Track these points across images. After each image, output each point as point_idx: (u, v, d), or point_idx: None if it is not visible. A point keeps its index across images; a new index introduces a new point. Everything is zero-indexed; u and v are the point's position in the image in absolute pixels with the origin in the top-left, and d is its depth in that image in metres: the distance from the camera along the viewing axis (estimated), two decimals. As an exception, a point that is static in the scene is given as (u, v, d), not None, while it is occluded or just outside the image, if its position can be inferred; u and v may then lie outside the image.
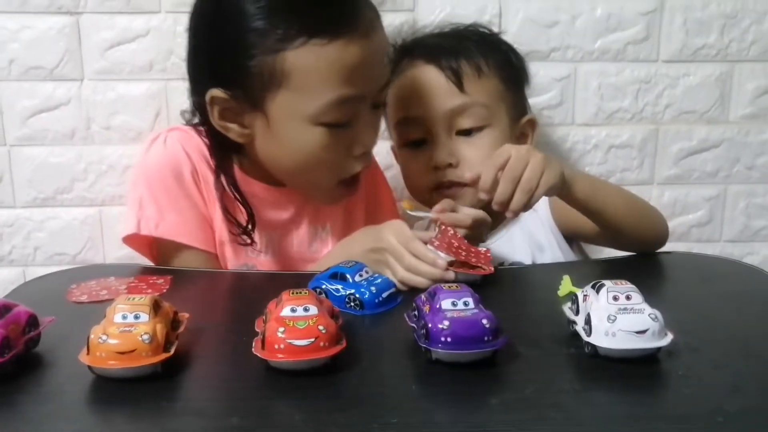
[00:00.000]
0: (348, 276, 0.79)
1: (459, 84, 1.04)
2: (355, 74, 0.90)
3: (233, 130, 0.95)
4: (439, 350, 0.62)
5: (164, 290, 0.85)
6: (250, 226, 1.01)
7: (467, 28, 1.15)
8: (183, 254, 1.00)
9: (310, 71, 0.88)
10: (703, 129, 1.33)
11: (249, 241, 1.01)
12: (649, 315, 0.63)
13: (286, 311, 0.64)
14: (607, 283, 0.66)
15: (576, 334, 0.67)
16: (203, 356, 0.67)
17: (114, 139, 1.25)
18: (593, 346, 0.63)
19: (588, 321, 0.64)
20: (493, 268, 0.85)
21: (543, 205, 1.05)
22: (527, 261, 1.04)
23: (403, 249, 0.86)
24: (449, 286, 0.67)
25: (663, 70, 1.30)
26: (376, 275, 0.81)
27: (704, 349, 0.67)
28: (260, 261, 1.04)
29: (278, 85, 0.89)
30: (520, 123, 1.11)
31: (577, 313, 0.69)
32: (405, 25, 1.20)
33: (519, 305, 0.81)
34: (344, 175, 0.98)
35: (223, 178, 0.99)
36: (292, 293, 0.66)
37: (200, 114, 0.98)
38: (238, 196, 1.00)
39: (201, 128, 1.01)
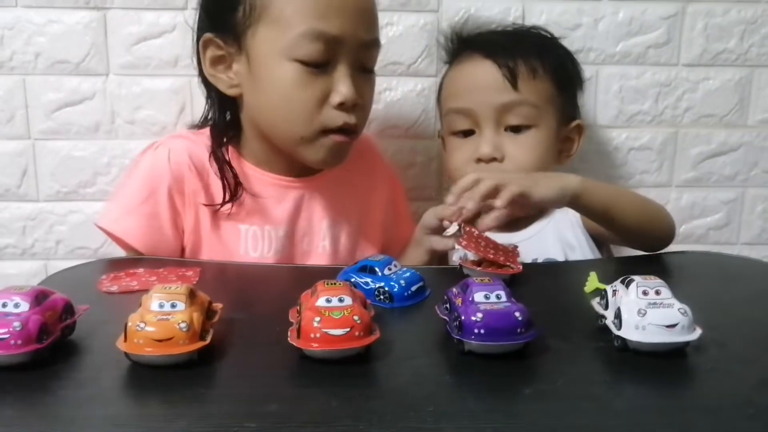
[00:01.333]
0: (377, 269, 0.80)
1: (513, 81, 1.07)
2: (331, 11, 0.93)
3: (222, 80, 1.00)
4: (473, 342, 0.63)
5: (194, 282, 0.86)
6: (236, 193, 1.03)
7: (528, 30, 1.18)
8: (130, 254, 1.05)
9: (286, 3, 0.93)
10: (721, 133, 1.34)
11: (231, 205, 1.03)
12: (678, 309, 0.64)
13: (321, 301, 0.65)
14: (637, 278, 0.67)
15: (604, 329, 0.68)
16: (238, 345, 0.68)
17: (138, 134, 1.27)
18: (623, 340, 0.64)
19: (618, 315, 0.65)
20: (521, 267, 0.86)
21: None
22: (559, 259, 1.06)
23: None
24: (481, 279, 0.68)
25: (683, 74, 1.31)
26: (405, 269, 0.82)
27: (731, 345, 0.68)
28: (264, 259, 1.04)
29: (257, 19, 0.94)
30: (568, 127, 1.13)
31: (606, 307, 0.69)
32: (469, 20, 1.23)
33: (547, 300, 0.82)
34: (324, 125, 0.96)
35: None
36: (327, 284, 0.67)
37: (199, 73, 1.05)
38: (225, 172, 1.03)
39: (202, 130, 1.07)
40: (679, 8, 1.28)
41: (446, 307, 0.70)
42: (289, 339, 0.63)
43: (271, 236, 1.05)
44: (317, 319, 0.63)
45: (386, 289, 0.78)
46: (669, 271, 0.93)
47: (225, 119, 1.07)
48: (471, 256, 0.86)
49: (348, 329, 0.62)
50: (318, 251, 1.08)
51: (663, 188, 1.35)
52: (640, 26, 1.29)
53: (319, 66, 0.94)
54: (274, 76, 0.95)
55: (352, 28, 0.95)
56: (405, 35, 1.27)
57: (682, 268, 0.96)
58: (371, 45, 1.00)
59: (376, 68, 1.23)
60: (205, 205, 1.03)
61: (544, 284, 0.86)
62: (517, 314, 0.63)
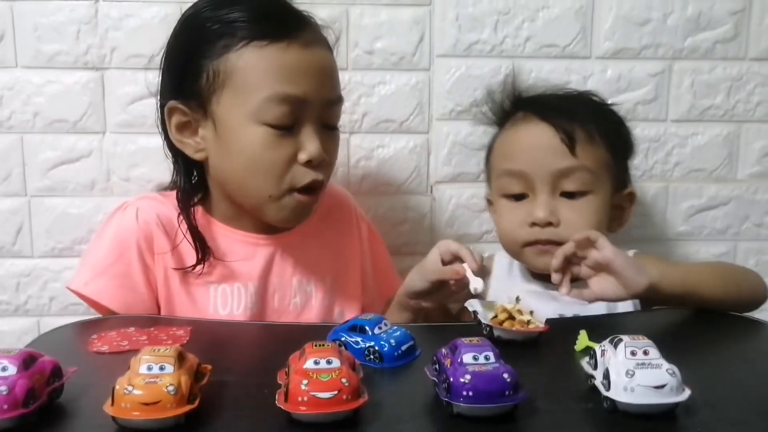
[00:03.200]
0: (367, 328, 0.80)
1: (571, 146, 1.04)
2: (293, 75, 0.95)
3: (189, 145, 1.02)
4: (461, 404, 0.63)
5: (185, 341, 0.86)
6: (204, 257, 1.04)
7: (581, 94, 1.16)
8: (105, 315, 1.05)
9: (250, 69, 0.95)
10: (712, 187, 1.36)
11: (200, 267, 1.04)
12: (666, 370, 0.64)
13: (309, 363, 0.65)
14: (625, 338, 0.67)
15: (594, 389, 0.68)
16: (226, 408, 0.67)
17: (132, 191, 1.27)
18: (612, 401, 0.64)
19: (606, 376, 0.65)
20: (548, 326, 0.86)
21: None
22: (603, 311, 1.04)
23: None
24: (470, 340, 0.68)
25: (672, 129, 1.33)
26: (395, 328, 0.82)
27: (721, 406, 0.67)
28: (234, 317, 1.05)
29: (221, 85, 0.96)
30: (620, 194, 1.11)
31: (595, 367, 0.69)
32: (516, 78, 1.22)
33: (537, 359, 0.81)
34: (292, 184, 0.98)
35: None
36: (315, 345, 0.67)
37: (164, 138, 1.06)
38: (194, 235, 1.04)
39: (170, 192, 1.09)
40: (666, 66, 1.31)
41: (435, 368, 0.69)
42: (276, 402, 0.63)
43: (240, 293, 1.06)
44: (305, 381, 0.62)
45: (376, 348, 0.78)
46: (658, 328, 0.93)
47: (191, 182, 1.08)
48: (488, 313, 0.87)
49: (336, 392, 0.62)
50: (290, 308, 1.09)
51: (655, 242, 1.35)
52: (628, 83, 1.31)
53: (287, 128, 0.96)
54: (242, 140, 0.97)
55: (316, 88, 0.97)
56: (397, 93, 1.29)
57: (672, 325, 0.96)
58: (335, 102, 1.01)
59: (368, 126, 1.26)
60: (175, 269, 1.04)
61: (532, 342, 0.85)
62: (505, 376, 0.63)
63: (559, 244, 1.01)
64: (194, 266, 1.03)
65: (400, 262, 1.30)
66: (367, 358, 0.78)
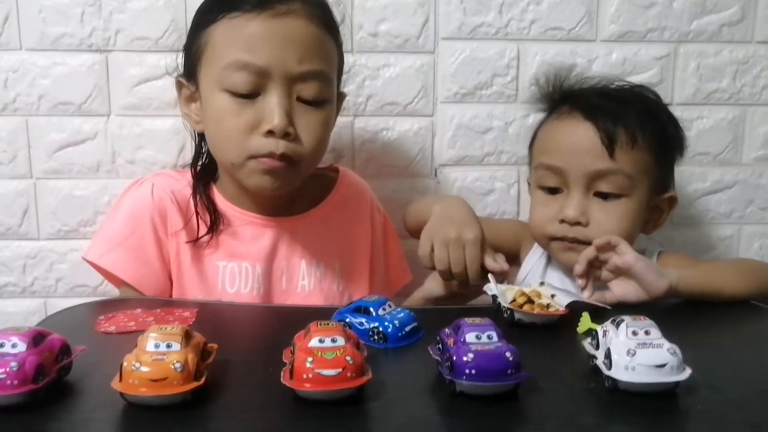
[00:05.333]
0: (371, 309, 0.81)
1: (611, 149, 1.02)
2: (255, 43, 0.96)
3: (190, 118, 1.07)
4: (464, 382, 0.63)
5: (191, 322, 0.87)
6: (215, 224, 1.08)
7: (633, 90, 1.12)
8: (121, 288, 1.09)
9: (220, 39, 0.98)
10: (717, 170, 1.35)
11: (209, 237, 1.07)
12: (667, 349, 0.64)
13: (314, 342, 0.65)
14: (627, 318, 0.68)
15: (596, 369, 0.68)
16: (232, 386, 0.68)
17: (138, 173, 1.27)
18: (613, 380, 0.65)
19: (608, 355, 0.66)
20: (567, 309, 0.86)
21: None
22: None
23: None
24: (473, 320, 0.69)
25: (677, 112, 1.29)
26: (399, 309, 0.83)
27: (722, 387, 0.68)
28: (240, 297, 1.06)
29: (202, 57, 1.00)
30: (660, 197, 1.09)
31: (597, 348, 0.70)
32: (573, 72, 1.19)
33: (539, 340, 0.82)
34: (250, 152, 0.98)
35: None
36: (320, 324, 0.68)
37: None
38: (206, 206, 1.08)
39: (185, 170, 1.14)
40: (671, 49, 1.31)
41: (439, 348, 0.70)
42: (281, 379, 0.64)
43: (248, 273, 1.07)
44: (310, 359, 0.63)
45: (380, 329, 0.79)
46: (662, 311, 0.93)
47: (201, 156, 1.13)
48: (506, 296, 0.88)
49: (340, 370, 0.63)
50: (297, 290, 1.10)
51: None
52: (633, 66, 1.31)
53: (249, 96, 0.97)
54: (210, 107, 1.00)
55: (280, 59, 0.96)
56: (402, 76, 1.29)
57: (675, 308, 0.96)
58: (308, 76, 0.98)
59: (373, 109, 1.26)
60: (186, 242, 1.07)
61: (536, 325, 0.86)
62: (507, 354, 0.64)
63: (585, 243, 1.02)
64: (206, 234, 1.06)
65: (404, 245, 1.30)
66: (371, 339, 0.79)
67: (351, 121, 1.29)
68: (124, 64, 1.26)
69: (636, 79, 1.29)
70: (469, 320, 0.69)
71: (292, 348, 0.69)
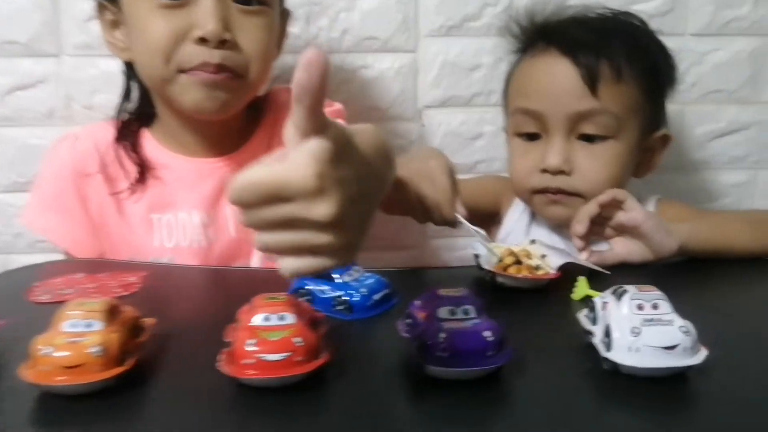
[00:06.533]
0: (335, 275, 0.70)
1: (593, 86, 0.92)
2: None
3: (116, 46, 0.96)
4: (435, 368, 0.53)
5: (136, 290, 0.77)
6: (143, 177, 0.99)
7: (617, 17, 1.00)
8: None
9: None
10: (731, 109, 1.25)
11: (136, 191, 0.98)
12: (679, 328, 0.54)
13: (257, 319, 0.56)
14: (631, 289, 0.57)
15: (593, 347, 0.58)
16: (168, 368, 0.59)
17: (97, 119, 1.15)
18: (613, 364, 0.54)
19: (608, 333, 0.56)
20: (559, 272, 0.77)
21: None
22: None
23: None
24: (447, 291, 0.58)
25: (690, 44, 1.22)
26: (368, 274, 0.72)
27: (744, 366, 0.58)
28: (180, 251, 0.97)
29: None
30: (652, 137, 0.99)
31: (594, 322, 0.60)
32: (549, 3, 1.05)
33: (527, 309, 0.72)
34: (179, 65, 0.87)
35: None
36: (267, 298, 0.58)
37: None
38: (135, 156, 0.99)
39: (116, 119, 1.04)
40: None
41: (408, 323, 0.60)
42: (218, 365, 0.54)
43: (186, 224, 0.98)
44: (251, 341, 0.54)
45: (345, 298, 0.69)
46: (675, 276, 0.83)
47: (130, 92, 1.02)
48: (493, 256, 0.78)
49: (287, 354, 0.53)
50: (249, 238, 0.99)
51: (666, 171, 1.24)
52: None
53: (176, 5, 0.86)
54: (138, 22, 0.89)
55: None
56: (381, 8, 1.17)
57: (692, 274, 0.85)
58: None
59: (349, 45, 1.15)
60: (111, 194, 0.98)
61: (527, 290, 0.76)
62: (486, 334, 0.54)
63: (571, 194, 0.94)
64: (133, 184, 0.97)
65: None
66: (335, 309, 0.69)
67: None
68: (74, -3, 1.14)
69: (643, 6, 1.17)
70: (443, 291, 0.58)
71: (237, 324, 0.59)
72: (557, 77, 0.94)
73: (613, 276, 0.79)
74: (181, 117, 0.96)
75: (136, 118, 1.02)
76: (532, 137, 0.98)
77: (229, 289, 0.83)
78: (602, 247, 0.85)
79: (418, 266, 0.91)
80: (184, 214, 0.98)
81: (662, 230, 0.84)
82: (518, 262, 0.78)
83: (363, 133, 0.52)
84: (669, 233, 0.84)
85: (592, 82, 0.92)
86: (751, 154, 1.26)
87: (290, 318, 0.56)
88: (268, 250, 0.48)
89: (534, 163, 0.97)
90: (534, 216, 1.06)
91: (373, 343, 0.65)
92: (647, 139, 0.98)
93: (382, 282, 0.72)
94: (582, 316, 0.62)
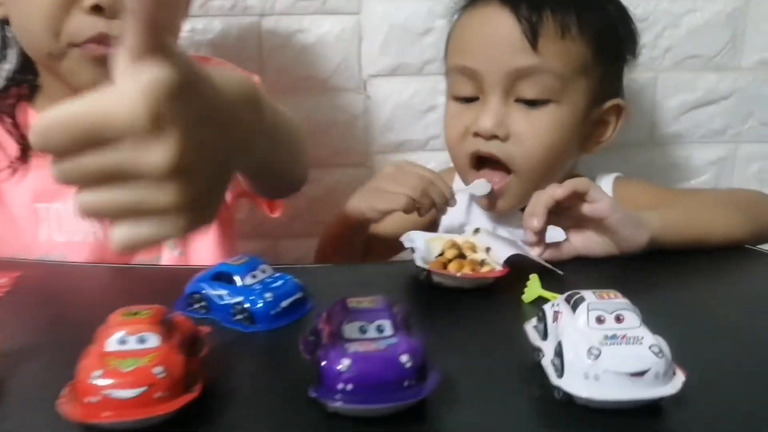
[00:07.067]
0: (236, 277, 0.58)
1: (533, 40, 0.82)
2: None
3: None
4: (337, 403, 0.41)
5: (1, 294, 0.64)
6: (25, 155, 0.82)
7: None
8: None
9: None
10: (710, 77, 1.12)
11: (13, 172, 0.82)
12: (650, 348, 0.42)
13: (112, 343, 0.44)
14: (588, 296, 0.45)
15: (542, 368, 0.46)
16: (5, 398, 0.46)
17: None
18: (567, 393, 0.43)
19: (559, 353, 0.44)
20: (506, 268, 0.64)
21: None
22: None
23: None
24: (359, 302, 0.46)
25: (664, 5, 1.09)
26: (277, 275, 0.60)
27: (730, 393, 0.46)
28: (72, 245, 0.83)
29: None
30: (602, 107, 0.88)
31: (544, 335, 0.48)
32: None
33: (467, 315, 0.60)
34: (70, 38, 0.73)
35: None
36: (125, 314, 0.45)
37: None
38: (12, 127, 0.82)
39: None
40: None
41: (312, 339, 0.48)
42: (57, 404, 0.42)
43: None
44: (97, 372, 0.42)
45: (246, 306, 0.56)
46: (642, 270, 0.70)
47: (6, 52, 0.85)
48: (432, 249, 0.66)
49: (142, 389, 0.41)
50: None
51: (637, 146, 1.13)
52: None
53: None
54: None
55: None
56: (320, -39, 1.04)
57: (664, 265, 0.72)
58: None
59: (284, 5, 1.03)
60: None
61: (470, 292, 0.64)
62: (403, 359, 0.42)
63: (503, 163, 0.85)
64: (10, 169, 0.81)
65: (329, 176, 1.08)
66: (235, 319, 0.57)
67: (256, 22, 1.05)
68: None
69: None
70: (353, 301, 0.46)
71: (91, 347, 0.46)
72: (495, 30, 0.84)
73: (568, 271, 0.67)
74: (77, 92, 0.81)
75: (14, 85, 0.85)
76: (469, 101, 0.88)
77: (124, 292, 0.69)
78: (557, 235, 0.73)
79: (342, 264, 0.78)
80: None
81: (631, 223, 0.72)
82: (462, 256, 0.66)
83: (224, 74, 0.42)
84: (638, 226, 0.72)
85: (533, 35, 0.82)
86: (730, 126, 1.15)
87: (153, 340, 0.44)
88: (93, 213, 0.37)
89: (467, 125, 0.87)
90: (472, 201, 0.95)
91: (272, 365, 0.53)
92: (597, 109, 0.88)
93: (293, 284, 0.59)
94: (530, 327, 0.50)
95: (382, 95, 1.10)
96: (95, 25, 0.71)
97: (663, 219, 0.74)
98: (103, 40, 0.72)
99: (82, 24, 0.72)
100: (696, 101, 1.13)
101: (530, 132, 0.84)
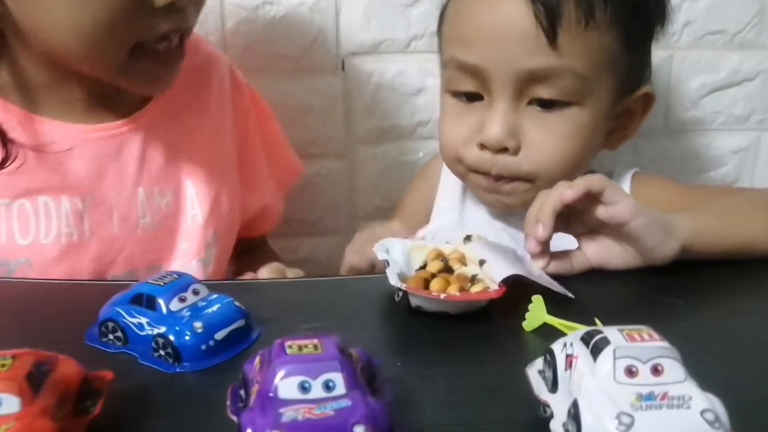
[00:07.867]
0: (159, 301, 0.46)
1: (552, 35, 0.68)
2: None
3: None
4: (263, 494, 0.30)
5: None
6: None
7: None
8: None
9: None
10: (733, 56, 1.01)
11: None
12: (702, 414, 0.30)
13: (-41, 406, 0.32)
14: (613, 336, 0.33)
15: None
16: None
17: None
18: (586, 475, 0.31)
19: (575, 416, 0.32)
20: (503, 286, 0.52)
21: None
22: None
23: None
24: (301, 345, 0.34)
25: None
26: (215, 296, 0.48)
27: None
28: (42, 249, 0.72)
29: None
30: (630, 97, 0.76)
31: (553, 385, 0.36)
32: None
33: (452, 349, 0.48)
34: (144, 35, 0.66)
35: None
36: (-17, 364, 0.34)
37: None
38: None
39: None
40: None
41: (242, 394, 0.36)
42: None
43: (50, 212, 0.73)
44: None
45: (169, 338, 0.44)
46: (675, 288, 0.59)
47: None
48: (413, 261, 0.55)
49: None
50: (138, 233, 0.76)
51: (650, 134, 1.02)
52: None
53: None
54: None
55: None
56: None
57: (699, 281, 0.60)
58: None
59: None
60: None
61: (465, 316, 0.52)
62: (358, 430, 0.30)
63: (514, 179, 0.73)
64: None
65: (307, 167, 0.96)
66: (156, 355, 0.45)
67: (220, -7, 0.93)
68: None
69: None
70: (293, 345, 0.34)
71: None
72: (505, 19, 0.70)
73: (582, 288, 0.55)
74: (52, 67, 0.71)
75: None
76: (470, 98, 0.75)
77: (72, 318, 0.56)
78: (565, 243, 0.61)
79: (307, 276, 0.65)
80: (47, 199, 0.73)
81: (658, 229, 0.60)
82: (448, 270, 0.54)
83: None
84: (668, 231, 0.60)
85: (551, 29, 0.68)
86: (754, 112, 1.04)
87: (13, 402, 0.32)
88: None
89: (470, 132, 0.73)
90: (466, 191, 0.83)
91: (196, 421, 0.40)
92: (623, 102, 0.75)
93: (232, 309, 0.47)
94: (534, 373, 0.38)
95: (362, 76, 0.99)
96: (170, 21, 0.65)
97: (696, 222, 0.61)
98: (172, 36, 0.68)
99: (154, 21, 0.65)
100: (717, 83, 1.03)
101: (546, 141, 0.71)
